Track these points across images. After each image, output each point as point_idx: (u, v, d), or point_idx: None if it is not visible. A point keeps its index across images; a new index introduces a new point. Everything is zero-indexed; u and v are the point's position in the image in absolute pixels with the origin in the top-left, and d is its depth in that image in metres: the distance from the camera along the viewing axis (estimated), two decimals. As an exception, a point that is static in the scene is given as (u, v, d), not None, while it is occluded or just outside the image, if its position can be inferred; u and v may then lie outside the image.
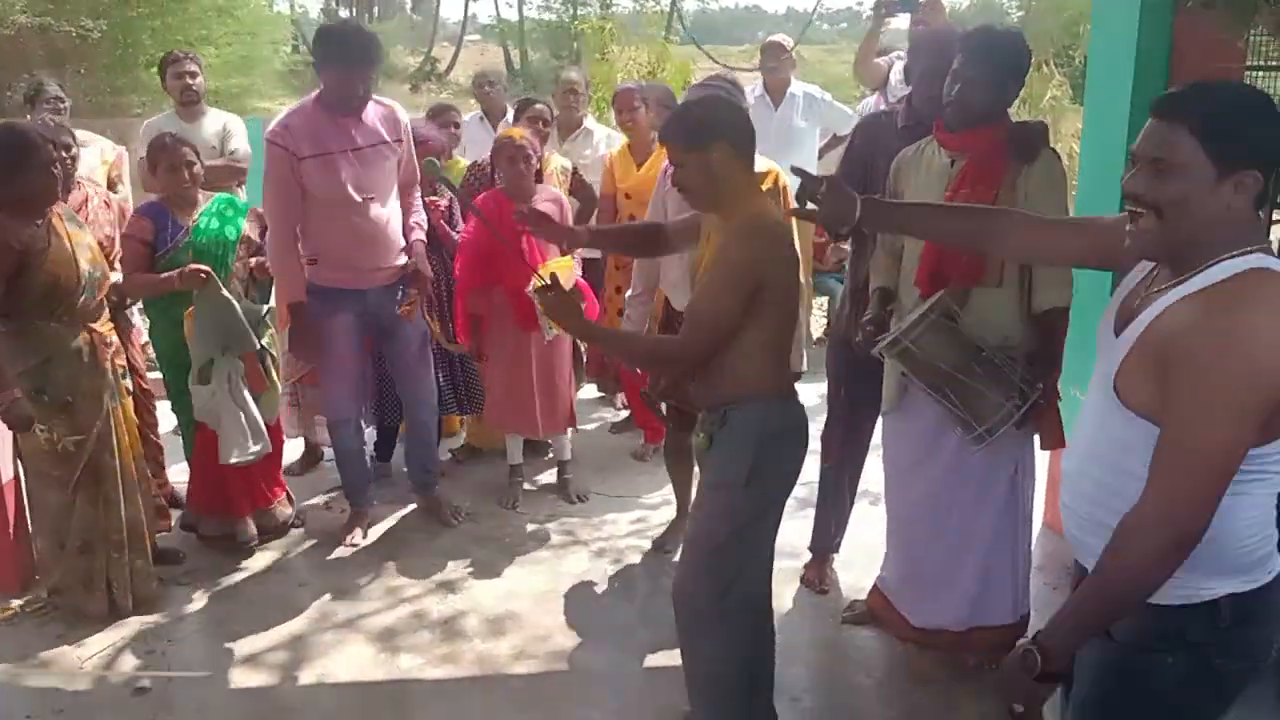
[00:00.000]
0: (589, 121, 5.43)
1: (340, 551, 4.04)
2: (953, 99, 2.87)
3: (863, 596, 3.51)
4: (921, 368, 2.87)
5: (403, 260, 3.92)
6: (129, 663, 3.28)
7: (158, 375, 4.10)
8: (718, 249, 2.48)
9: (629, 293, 3.96)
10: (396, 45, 27.32)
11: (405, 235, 3.95)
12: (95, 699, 3.11)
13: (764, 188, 3.56)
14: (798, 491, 4.37)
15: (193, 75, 4.90)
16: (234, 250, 3.81)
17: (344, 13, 32.40)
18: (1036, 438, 3.02)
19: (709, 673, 2.66)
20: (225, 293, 3.62)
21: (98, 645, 3.36)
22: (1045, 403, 2.89)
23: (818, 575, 3.73)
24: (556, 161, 4.76)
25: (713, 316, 2.43)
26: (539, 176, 4.29)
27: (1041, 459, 3.14)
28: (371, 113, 3.75)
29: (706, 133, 2.44)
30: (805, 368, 3.64)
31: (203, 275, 3.57)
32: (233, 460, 3.69)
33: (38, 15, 10.60)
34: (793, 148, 5.46)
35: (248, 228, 3.87)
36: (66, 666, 3.26)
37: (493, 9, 37.03)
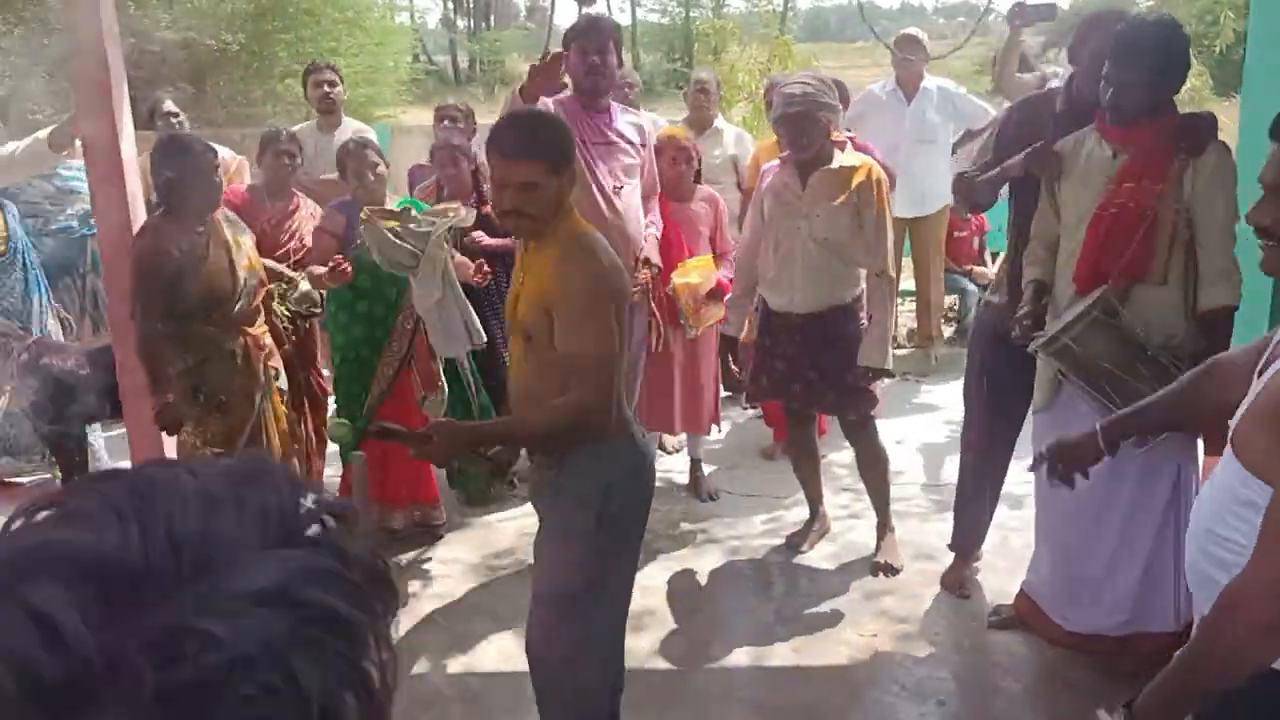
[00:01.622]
0: (719, 121, 5.44)
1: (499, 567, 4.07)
2: (1109, 99, 2.78)
3: (1008, 601, 3.43)
4: (1081, 366, 2.80)
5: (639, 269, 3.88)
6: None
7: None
8: (548, 280, 2.28)
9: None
10: (512, 53, 27.87)
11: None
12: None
13: (857, 181, 3.55)
14: (935, 494, 4.40)
15: (331, 85, 5.09)
16: None
17: (460, 23, 33.17)
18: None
19: None
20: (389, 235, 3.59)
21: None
22: None
23: (958, 578, 3.66)
24: None
25: (595, 356, 2.25)
26: (697, 177, 4.34)
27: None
28: (620, 119, 3.85)
29: (532, 149, 2.26)
30: (890, 365, 3.62)
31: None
32: (451, 353, 3.76)
33: (181, 31, 11.15)
34: (926, 143, 5.38)
35: None
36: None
37: (605, 14, 37.33)
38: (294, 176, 4.22)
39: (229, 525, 0.47)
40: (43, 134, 3.69)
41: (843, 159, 3.59)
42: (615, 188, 3.78)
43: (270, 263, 3.87)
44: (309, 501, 0.51)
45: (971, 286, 6.24)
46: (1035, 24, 4.94)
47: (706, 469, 4.71)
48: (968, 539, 3.67)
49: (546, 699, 2.54)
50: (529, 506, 4.37)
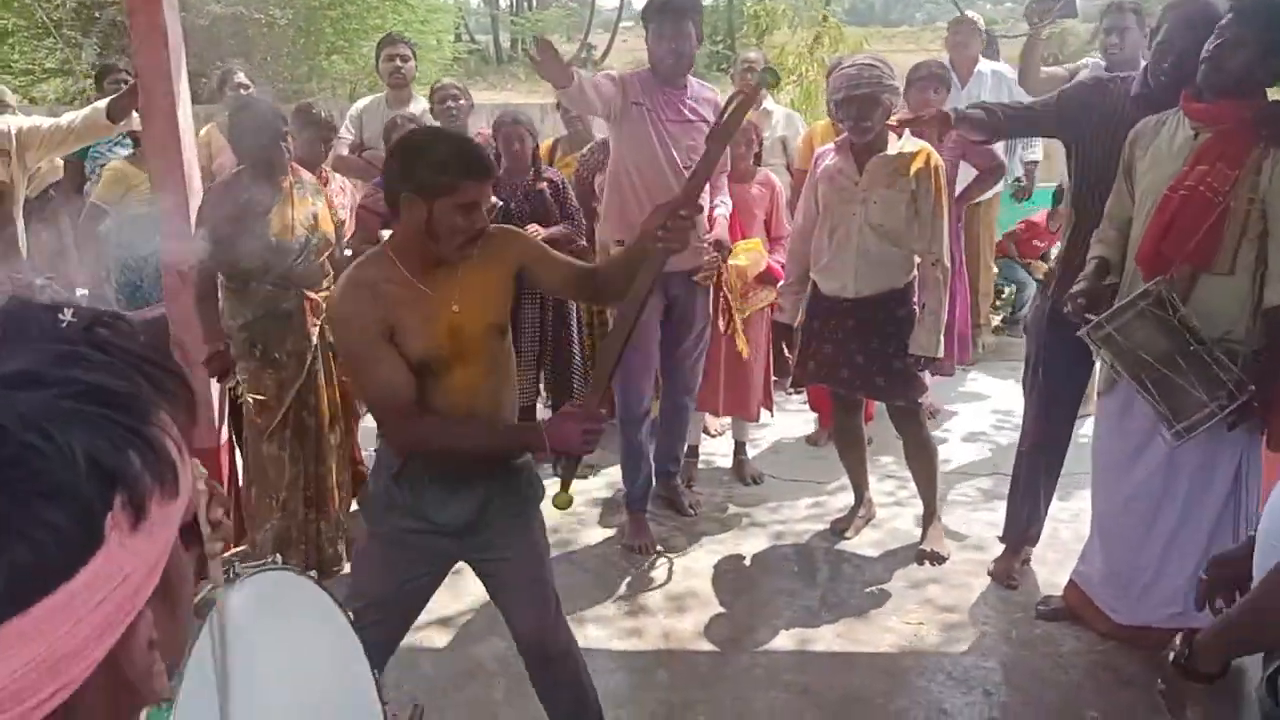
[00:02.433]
0: (769, 102, 5.39)
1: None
2: (1208, 55, 2.69)
3: (1057, 592, 3.39)
4: (1124, 356, 2.76)
5: (704, 251, 3.82)
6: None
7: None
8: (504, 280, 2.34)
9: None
10: (554, 34, 27.83)
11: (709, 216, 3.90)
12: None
13: (915, 168, 3.50)
14: (982, 483, 4.35)
15: (404, 59, 5.04)
16: None
17: (503, 2, 33.10)
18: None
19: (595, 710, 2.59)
20: None
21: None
22: (1261, 403, 2.72)
23: (1007, 569, 3.61)
24: None
25: (372, 391, 2.23)
26: (757, 159, 4.32)
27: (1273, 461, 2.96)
28: (696, 93, 3.80)
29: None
30: (942, 353, 3.60)
31: None
32: None
33: (230, 5, 11.22)
34: (978, 128, 5.30)
35: None
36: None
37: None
38: (328, 151, 4.15)
39: None
40: (101, 104, 3.72)
41: (901, 145, 3.55)
42: (688, 166, 3.75)
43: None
44: (68, 315, 0.57)
45: (1029, 278, 6.16)
46: (1056, 21, 4.88)
47: (751, 452, 4.69)
48: (1020, 530, 3.62)
49: (583, 688, 2.57)
50: (572, 486, 4.40)
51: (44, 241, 5.45)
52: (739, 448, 4.59)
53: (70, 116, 3.72)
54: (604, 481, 4.47)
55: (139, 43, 3.49)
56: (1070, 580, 3.31)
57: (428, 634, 3.31)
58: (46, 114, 4.73)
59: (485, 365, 2.25)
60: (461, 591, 3.61)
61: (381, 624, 2.29)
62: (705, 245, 3.79)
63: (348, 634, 1.67)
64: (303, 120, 4.10)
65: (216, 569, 0.85)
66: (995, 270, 6.13)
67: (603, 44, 33.87)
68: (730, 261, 4.09)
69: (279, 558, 1.40)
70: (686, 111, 3.74)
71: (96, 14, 11.37)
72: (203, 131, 4.80)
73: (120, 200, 4.35)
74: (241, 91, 4.88)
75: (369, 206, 3.92)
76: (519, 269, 2.32)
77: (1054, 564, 3.60)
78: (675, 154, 3.71)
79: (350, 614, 1.51)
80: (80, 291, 4.31)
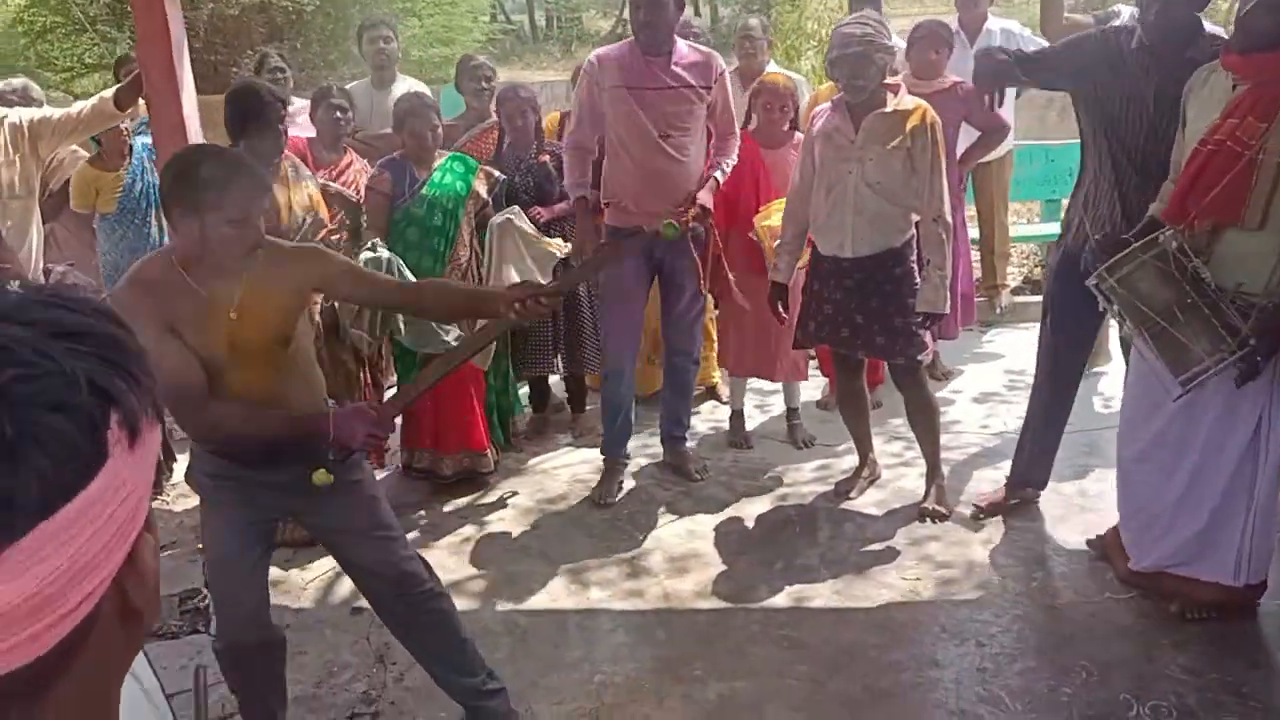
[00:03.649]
0: (771, 66, 5.38)
1: (547, 510, 4.17)
2: (1237, 18, 2.72)
3: (1063, 544, 3.48)
4: (1125, 307, 2.77)
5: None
6: (346, 586, 3.54)
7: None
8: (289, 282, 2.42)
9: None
10: (589, 10, 27.73)
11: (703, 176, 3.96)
12: (318, 616, 3.41)
13: (911, 125, 3.51)
14: (990, 442, 4.36)
15: (386, 41, 5.09)
16: (464, 204, 4.08)
17: (537, -20, 33.03)
18: None
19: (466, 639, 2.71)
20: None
21: (318, 570, 3.66)
22: (1265, 357, 2.72)
23: (993, 504, 3.74)
24: None
25: (161, 381, 2.38)
26: (794, 125, 4.35)
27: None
28: (684, 58, 3.83)
29: None
30: (947, 309, 3.63)
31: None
32: (518, 279, 3.82)
33: (259, -6, 11.39)
34: (988, 87, 5.25)
35: (477, 185, 4.11)
36: (292, 587, 3.58)
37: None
38: (346, 131, 4.32)
39: None
40: (108, 93, 3.84)
41: (897, 102, 3.55)
42: (663, 134, 3.79)
43: (337, 186, 4.09)
44: (15, 285, 0.63)
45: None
46: None
47: (761, 418, 4.73)
48: (1019, 472, 3.73)
49: (450, 616, 2.68)
50: (582, 453, 4.50)
51: (68, 230, 5.62)
52: (791, 413, 4.61)
53: (80, 106, 3.85)
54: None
55: (143, 34, 3.60)
56: (1116, 524, 3.36)
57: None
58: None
59: (265, 371, 2.33)
60: (466, 556, 3.73)
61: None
62: (679, 209, 3.82)
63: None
64: (319, 101, 4.23)
65: None
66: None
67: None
68: (764, 223, 4.13)
69: None
70: (668, 79, 3.78)
71: (130, 10, 11.56)
72: None
73: (93, 205, 4.46)
74: (278, 75, 4.98)
75: (375, 187, 4.02)
76: (315, 286, 2.44)
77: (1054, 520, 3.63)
78: (656, 123, 3.77)
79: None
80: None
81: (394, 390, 4.39)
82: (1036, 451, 3.69)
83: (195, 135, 3.72)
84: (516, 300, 2.32)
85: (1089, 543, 3.49)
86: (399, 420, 4.32)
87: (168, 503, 4.23)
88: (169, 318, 2.21)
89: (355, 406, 2.36)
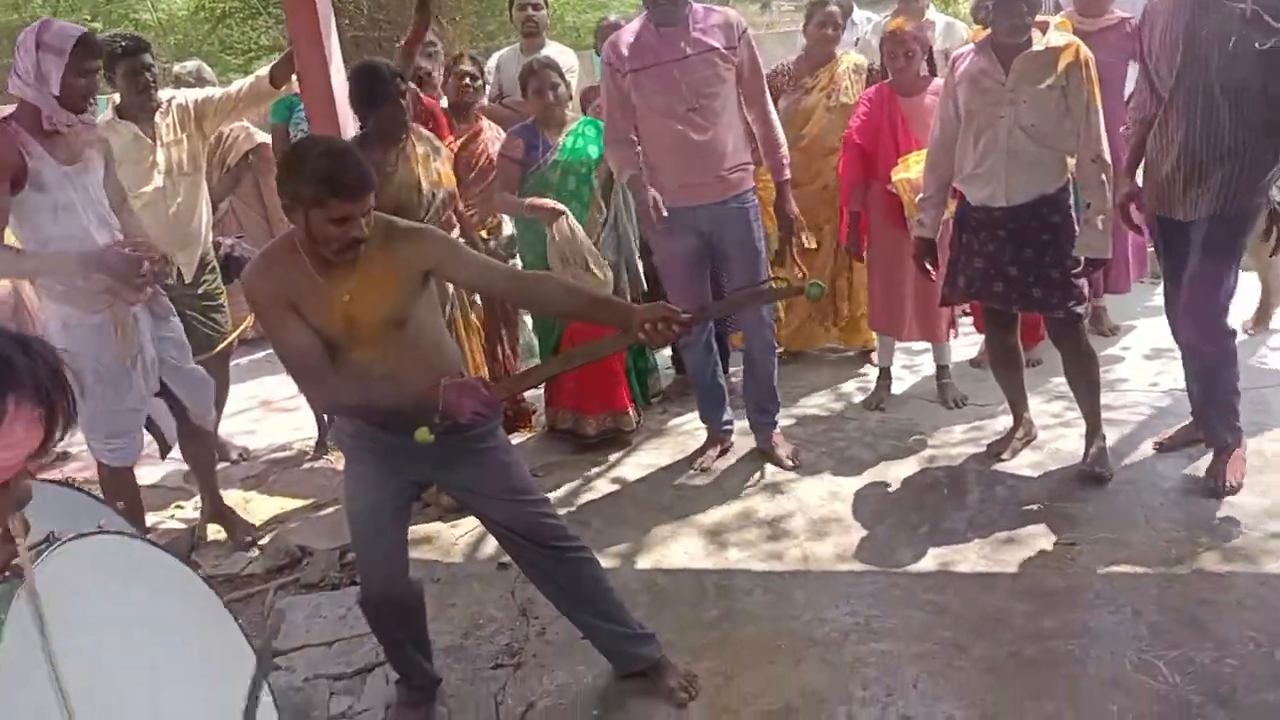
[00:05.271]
0: (931, 11, 5.18)
1: (688, 472, 4.10)
2: None
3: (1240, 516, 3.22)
4: None
5: (738, 174, 3.82)
6: (492, 543, 3.64)
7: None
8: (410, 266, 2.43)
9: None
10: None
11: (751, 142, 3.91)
12: (466, 571, 3.52)
13: (1065, 63, 3.34)
14: (1160, 400, 4.10)
15: (536, 7, 5.16)
16: (595, 168, 4.10)
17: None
18: None
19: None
20: (571, 227, 3.96)
21: (468, 526, 3.77)
22: None
23: (1220, 471, 3.44)
24: (849, 59, 4.71)
25: (282, 353, 2.36)
26: (932, 70, 4.26)
27: None
28: (702, 21, 3.76)
29: (370, 176, 2.32)
30: (1109, 254, 3.49)
31: (557, 211, 3.93)
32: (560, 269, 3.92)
33: (418, -30, 11.62)
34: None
35: None
36: (443, 543, 3.71)
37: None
38: (477, 99, 4.38)
39: None
40: (263, 71, 4.02)
41: (1046, 40, 3.36)
42: (691, 107, 3.70)
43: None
44: None
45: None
46: None
47: (911, 380, 4.60)
48: (1212, 433, 3.51)
49: (593, 569, 2.72)
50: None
51: (245, 204, 5.94)
52: (940, 371, 4.48)
53: (239, 84, 4.04)
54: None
55: (292, 13, 3.77)
56: None
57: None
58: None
59: (381, 353, 2.35)
60: (607, 515, 3.78)
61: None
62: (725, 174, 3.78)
63: (196, 587, 1.81)
64: (449, 70, 4.33)
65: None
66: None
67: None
68: (901, 176, 4.01)
69: (104, 524, 1.62)
70: (688, 48, 3.67)
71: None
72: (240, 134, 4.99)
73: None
74: (428, 49, 5.10)
75: (507, 154, 4.07)
76: (429, 269, 2.40)
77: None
78: (684, 96, 3.69)
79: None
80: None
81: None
82: (1215, 411, 3.45)
83: (344, 104, 3.86)
84: (648, 321, 2.28)
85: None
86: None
87: (331, 461, 4.45)
88: (290, 296, 2.30)
89: (468, 381, 2.33)
